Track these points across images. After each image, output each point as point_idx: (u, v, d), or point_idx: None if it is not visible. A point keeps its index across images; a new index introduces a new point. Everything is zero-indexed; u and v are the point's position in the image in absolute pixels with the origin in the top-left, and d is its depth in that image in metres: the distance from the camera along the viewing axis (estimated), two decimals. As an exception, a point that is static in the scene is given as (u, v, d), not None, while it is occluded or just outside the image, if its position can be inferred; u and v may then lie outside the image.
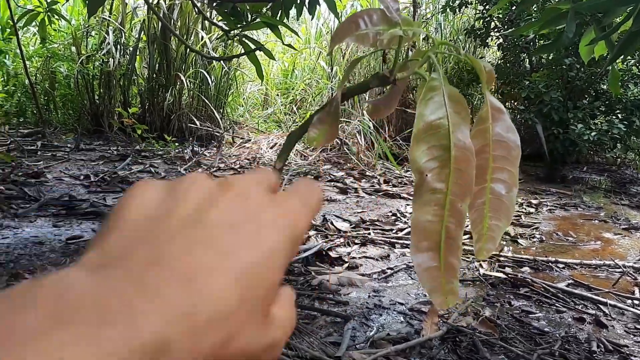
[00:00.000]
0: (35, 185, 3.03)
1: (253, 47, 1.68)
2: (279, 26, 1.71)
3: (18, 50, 4.83)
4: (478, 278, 2.02)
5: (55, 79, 5.45)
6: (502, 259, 2.25)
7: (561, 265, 2.23)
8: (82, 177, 3.40)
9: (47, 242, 2.08)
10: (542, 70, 4.72)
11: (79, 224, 2.39)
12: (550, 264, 2.24)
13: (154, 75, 5.12)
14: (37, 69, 5.42)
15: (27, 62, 4.87)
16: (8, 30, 5.42)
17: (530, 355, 1.38)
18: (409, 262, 2.14)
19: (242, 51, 1.98)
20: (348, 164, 4.72)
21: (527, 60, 5.14)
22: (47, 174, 3.41)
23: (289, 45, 2.10)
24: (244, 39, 1.68)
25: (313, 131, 0.42)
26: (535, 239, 2.66)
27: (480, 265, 2.17)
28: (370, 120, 4.86)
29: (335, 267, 2.05)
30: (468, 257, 2.27)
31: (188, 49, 4.93)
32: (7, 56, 5.40)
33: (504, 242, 2.58)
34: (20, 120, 5.47)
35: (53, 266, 1.78)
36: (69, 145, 4.56)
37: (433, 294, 0.40)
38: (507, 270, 2.10)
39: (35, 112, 5.35)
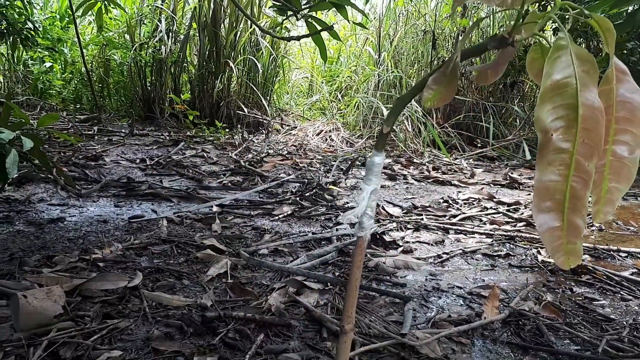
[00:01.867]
0: (95, 168, 3.16)
1: (319, 27, 1.68)
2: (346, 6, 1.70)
3: (76, 39, 5.01)
4: (537, 265, 1.98)
5: (109, 67, 5.63)
6: (560, 246, 2.19)
7: (623, 254, 2.16)
8: (138, 161, 3.51)
9: (111, 221, 2.17)
10: (601, 56, 4.53)
11: (139, 204, 2.48)
12: (611, 252, 2.17)
13: (204, 63, 5.22)
14: (92, 56, 5.62)
15: (83, 50, 5.05)
16: (67, 19, 5.63)
17: (598, 341, 1.35)
18: (465, 248, 2.12)
19: (294, 35, 1.99)
20: (395, 151, 4.69)
21: (584, 44, 4.94)
22: (105, 157, 3.54)
23: (360, 24, 2.10)
24: (309, 19, 1.69)
25: (428, 92, 0.43)
26: (594, 228, 2.58)
27: (539, 252, 2.12)
28: (418, 106, 4.80)
29: (390, 250, 2.05)
30: (525, 244, 2.23)
31: (252, 29, 4.98)
32: (65, 45, 5.61)
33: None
34: (77, 106, 5.69)
35: (119, 243, 1.86)
36: (123, 130, 4.71)
37: (555, 254, 0.40)
38: (567, 257, 2.05)
39: (90, 98, 5.55)
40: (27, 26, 4.09)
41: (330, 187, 3.09)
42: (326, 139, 5.14)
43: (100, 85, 5.73)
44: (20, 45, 4.34)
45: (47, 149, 3.46)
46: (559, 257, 0.39)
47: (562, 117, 0.39)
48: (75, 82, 5.82)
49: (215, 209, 2.45)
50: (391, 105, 5.14)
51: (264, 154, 4.10)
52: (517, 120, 5.43)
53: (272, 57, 5.41)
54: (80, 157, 3.42)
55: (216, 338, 1.24)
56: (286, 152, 4.37)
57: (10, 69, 5.73)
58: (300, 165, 3.81)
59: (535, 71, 0.48)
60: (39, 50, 5.32)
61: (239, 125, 5.27)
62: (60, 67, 5.93)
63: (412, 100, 4.79)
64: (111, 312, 1.33)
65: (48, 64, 5.74)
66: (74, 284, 1.43)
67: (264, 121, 5.40)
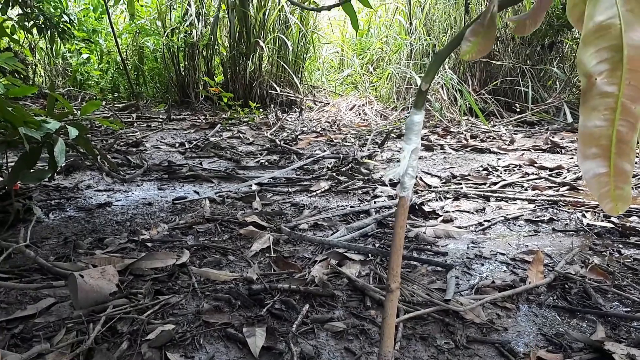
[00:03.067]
0: (137, 154, 3.25)
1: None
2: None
3: (110, 29, 5.11)
4: (582, 228, 1.93)
5: (143, 54, 5.73)
6: (607, 209, 2.13)
7: (675, 215, 2.08)
8: (177, 145, 3.59)
9: (156, 203, 2.23)
10: None
11: (181, 186, 2.55)
12: (662, 213, 2.09)
13: (235, 44, 5.24)
14: (127, 45, 5.72)
15: (118, 40, 5.15)
16: (100, 9, 5.73)
17: (650, 302, 1.32)
18: (507, 215, 2.09)
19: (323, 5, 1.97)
20: (431, 121, 4.62)
21: None
22: (145, 143, 3.64)
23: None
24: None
25: (466, 44, 0.42)
26: (642, 189, 2.49)
27: (584, 215, 2.07)
28: (453, 74, 4.70)
29: (430, 220, 2.04)
30: (569, 208, 2.18)
31: (268, 13, 4.97)
32: (100, 35, 5.73)
33: (608, 193, 2.43)
34: (115, 95, 5.83)
35: (165, 223, 1.92)
36: (160, 116, 4.81)
37: (603, 201, 0.39)
38: (614, 220, 1.99)
39: (127, 86, 5.67)
40: (63, 19, 4.19)
41: (366, 160, 3.09)
42: (359, 113, 5.11)
43: (135, 73, 5.84)
44: (58, 39, 4.46)
45: (90, 138, 3.57)
46: (607, 204, 0.39)
47: (606, 60, 0.38)
48: (112, 71, 5.96)
49: (254, 187, 2.49)
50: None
51: (298, 132, 4.12)
52: (557, 82, 5.24)
53: (301, 33, 5.38)
54: (121, 144, 3.52)
55: (263, 309, 1.27)
56: (320, 128, 4.38)
57: (50, 62, 5.91)
58: (335, 140, 3.81)
59: (576, 16, 0.46)
60: (76, 42, 5.46)
61: (272, 105, 5.29)
62: (96, 57, 6.07)
63: (447, 68, 4.68)
64: (162, 289, 1.38)
65: (85, 56, 5.89)
66: (125, 264, 1.49)
67: (297, 99, 5.40)
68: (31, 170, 1.95)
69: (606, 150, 0.38)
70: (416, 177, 2.69)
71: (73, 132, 1.86)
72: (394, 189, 2.46)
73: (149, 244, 1.71)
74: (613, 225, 1.92)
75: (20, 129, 1.68)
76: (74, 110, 2.05)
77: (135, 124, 4.38)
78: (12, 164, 1.88)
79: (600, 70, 0.38)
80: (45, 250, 1.65)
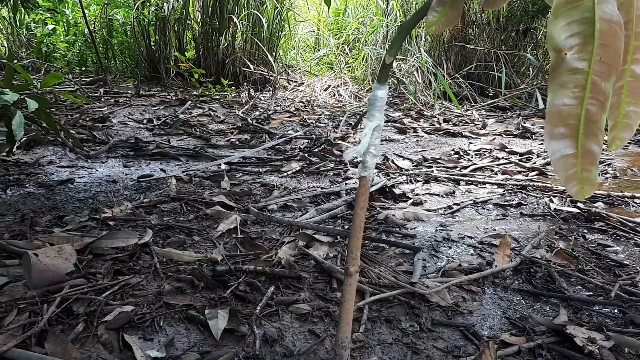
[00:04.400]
0: (103, 129, 3.14)
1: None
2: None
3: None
4: (549, 213, 1.95)
5: (112, 27, 5.53)
6: (573, 194, 2.15)
7: (638, 201, 2.13)
8: (145, 121, 3.49)
9: (120, 181, 2.17)
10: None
11: (147, 164, 2.48)
12: (626, 199, 2.13)
13: (208, 19, 5.10)
14: (95, 17, 5.52)
15: (85, 11, 4.96)
16: (66, -22, 5.50)
17: (611, 287, 1.34)
18: (476, 198, 2.10)
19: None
20: (405, 104, 4.61)
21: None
22: (112, 118, 3.53)
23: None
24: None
25: (432, 14, 0.39)
26: (608, 175, 2.54)
27: (551, 200, 2.09)
28: (428, 57, 4.69)
29: (400, 203, 2.04)
30: (537, 193, 2.20)
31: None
32: (66, 5, 5.51)
33: (575, 178, 2.47)
34: (82, 69, 5.64)
35: (129, 202, 1.86)
36: (129, 91, 4.68)
37: (569, 183, 0.37)
38: (580, 205, 2.02)
39: (95, 60, 5.49)
40: (26, -13, 3.99)
41: (339, 142, 3.06)
42: (334, 94, 5.06)
43: (104, 46, 5.65)
44: (22, 8, 4.26)
45: (54, 112, 3.44)
46: (573, 187, 0.37)
47: (578, 34, 0.35)
48: (79, 44, 5.75)
49: (223, 166, 2.44)
50: (401, 57, 5.03)
51: (271, 111, 4.05)
52: (530, 69, 5.29)
53: (276, 10, 5.27)
54: (87, 119, 3.41)
55: (227, 291, 1.24)
56: (293, 108, 4.32)
57: (13, 32, 5.66)
58: (308, 121, 3.77)
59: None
60: (41, 12, 5.23)
61: (245, 83, 5.20)
62: (63, 29, 5.84)
63: (422, 51, 4.65)
64: (122, 269, 1.34)
65: (51, 26, 5.65)
66: (84, 243, 1.44)
67: (271, 78, 5.32)
68: (-13, 144, 1.86)
69: (574, 131, 0.36)
70: (381, 156, 2.68)
71: (32, 105, 1.77)
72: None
73: (111, 223, 1.65)
74: (579, 211, 1.95)
75: (-27, 99, 1.59)
76: (34, 82, 1.96)
77: (102, 99, 4.25)
78: (-34, 136, 1.79)
79: (571, 45, 0.35)
80: (0, 228, 1.58)
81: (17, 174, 2.17)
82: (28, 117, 1.93)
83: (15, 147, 2.36)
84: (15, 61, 4.93)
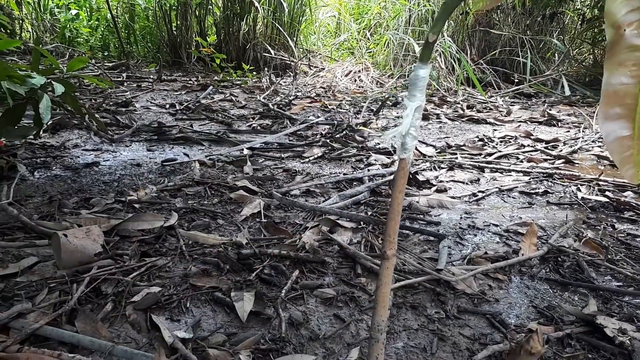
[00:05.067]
0: (126, 114, 3.17)
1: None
2: None
3: (99, -17, 4.93)
4: (576, 201, 1.91)
5: (134, 12, 5.56)
6: (601, 183, 2.11)
7: (669, 190, 2.07)
8: (167, 106, 3.51)
9: (144, 164, 2.19)
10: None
11: (171, 148, 2.49)
12: (656, 188, 2.08)
13: (229, 4, 5.08)
14: (117, 2, 5.54)
15: (108, -5, 4.98)
16: (89, -37, 5.52)
17: (642, 277, 1.31)
18: (501, 186, 2.07)
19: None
20: (428, 90, 4.55)
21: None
22: (135, 103, 3.55)
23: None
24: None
25: (481, -9, 0.38)
26: (637, 164, 2.47)
27: (579, 189, 2.05)
28: (452, 42, 4.61)
29: (423, 189, 2.02)
30: (564, 182, 2.16)
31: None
32: (89, -10, 5.54)
33: (603, 167, 2.42)
34: (105, 54, 5.68)
35: (153, 185, 1.88)
36: (151, 76, 4.70)
37: (623, 166, 0.36)
38: (608, 194, 1.98)
39: (117, 45, 5.52)
40: (50, -29, 4.02)
41: (361, 128, 3.04)
42: (355, 80, 5.02)
43: (126, 31, 5.68)
44: (45, -8, 4.30)
45: (78, 96, 3.48)
46: (628, 170, 0.35)
47: (639, 9, 0.33)
48: (102, 29, 5.79)
49: (246, 151, 2.44)
50: (423, 42, 4.96)
51: (292, 97, 4.04)
52: (556, 54, 5.17)
53: (298, -5, 5.23)
54: (110, 103, 3.44)
55: (252, 274, 1.25)
56: (314, 94, 4.30)
57: (37, 17, 5.72)
58: (329, 107, 3.75)
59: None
60: (64, -4, 5.28)
61: (265, 68, 5.18)
62: (86, 14, 5.88)
63: (446, 36, 4.58)
64: (149, 251, 1.35)
65: (74, 12, 5.70)
66: (111, 224, 1.46)
67: (291, 63, 5.30)
68: (15, 127, 1.88)
69: (631, 111, 0.35)
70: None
71: (59, 89, 1.79)
72: (387, 157, 2.43)
73: (137, 205, 1.67)
74: (608, 200, 1.91)
75: (2, 83, 1.61)
76: (61, 66, 1.98)
77: (125, 84, 4.28)
78: (-5, 119, 1.81)
79: (631, 20, 0.34)
80: (29, 209, 1.61)
81: (43, 157, 2.21)
82: (54, 101, 1.95)
83: (41, 130, 2.40)
84: (40, 46, 4.99)
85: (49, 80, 1.84)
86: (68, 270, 1.21)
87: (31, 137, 2.32)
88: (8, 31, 4.97)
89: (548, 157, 2.55)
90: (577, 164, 2.44)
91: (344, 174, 2.15)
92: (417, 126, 0.48)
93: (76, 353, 0.93)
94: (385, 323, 0.57)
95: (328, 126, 3.08)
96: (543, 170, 2.27)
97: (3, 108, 2.13)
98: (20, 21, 5.53)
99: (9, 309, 1.04)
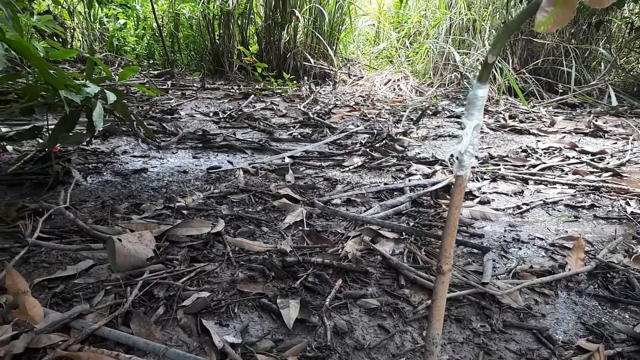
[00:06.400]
0: (172, 121, 3.27)
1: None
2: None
3: (147, -5, 5.10)
4: (625, 216, 1.86)
5: (179, 21, 5.72)
6: (652, 197, 2.05)
7: None
8: (211, 114, 3.60)
9: (191, 171, 2.25)
10: None
11: (215, 155, 2.56)
12: None
13: (270, 13, 5.17)
14: (163, 11, 5.72)
15: (154, 6, 5.15)
16: (137, -25, 5.72)
17: (697, 297, 1.27)
18: (546, 198, 2.03)
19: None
20: (467, 100, 4.50)
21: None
22: (180, 111, 3.66)
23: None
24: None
25: (542, 14, 0.39)
26: (690, 178, 2.38)
27: (627, 203, 1.99)
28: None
29: (466, 201, 2.00)
30: (612, 195, 2.10)
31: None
32: (137, 1, 5.73)
33: (653, 181, 2.34)
34: (150, 62, 5.86)
35: (200, 192, 1.93)
36: (195, 84, 4.82)
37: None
38: (660, 209, 1.91)
39: (162, 53, 5.69)
40: (101, -16, 4.20)
41: (401, 137, 3.04)
42: (394, 89, 5.02)
43: (170, 40, 5.85)
44: (96, 3, 4.48)
45: (126, 104, 3.61)
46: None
47: None
48: (148, 37, 5.98)
49: (287, 160, 2.48)
50: (464, 51, 4.91)
51: (331, 105, 4.07)
52: (602, 64, 5.03)
53: (338, 4, 5.27)
54: (156, 111, 3.55)
55: (297, 282, 1.27)
56: (354, 102, 4.32)
57: (87, 27, 5.96)
58: (369, 115, 3.76)
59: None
60: (113, 7, 5.48)
61: (305, 77, 5.24)
62: (133, 23, 6.10)
63: (487, 44, 4.52)
64: (197, 256, 1.40)
65: (122, 21, 5.92)
66: (161, 230, 1.51)
67: (331, 72, 5.34)
68: (70, 134, 1.98)
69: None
70: (445, 154, 2.64)
71: (111, 97, 1.87)
72: (429, 167, 2.42)
73: (185, 212, 1.72)
74: (659, 215, 1.85)
75: (60, 91, 1.70)
76: (112, 75, 2.06)
77: (169, 92, 4.41)
78: (52, 126, 1.91)
79: None
80: (84, 213, 1.68)
81: (95, 163, 2.30)
82: (105, 108, 2.04)
83: (93, 136, 2.50)
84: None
85: (101, 89, 1.92)
86: (122, 273, 1.26)
87: (84, 143, 2.42)
88: (61, 40, 5.20)
89: (594, 170, 2.48)
90: (626, 177, 2.37)
91: (385, 184, 2.16)
92: (475, 144, 0.49)
93: (132, 354, 0.97)
94: (440, 336, 0.58)
95: (367, 135, 3.09)
96: (589, 183, 2.22)
97: (57, 114, 2.23)
98: (72, 30, 5.78)
99: (69, 309, 1.10)
